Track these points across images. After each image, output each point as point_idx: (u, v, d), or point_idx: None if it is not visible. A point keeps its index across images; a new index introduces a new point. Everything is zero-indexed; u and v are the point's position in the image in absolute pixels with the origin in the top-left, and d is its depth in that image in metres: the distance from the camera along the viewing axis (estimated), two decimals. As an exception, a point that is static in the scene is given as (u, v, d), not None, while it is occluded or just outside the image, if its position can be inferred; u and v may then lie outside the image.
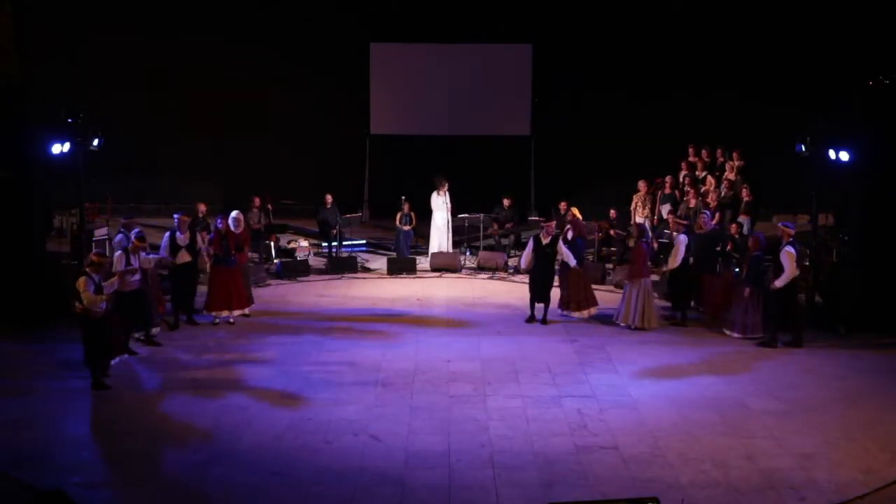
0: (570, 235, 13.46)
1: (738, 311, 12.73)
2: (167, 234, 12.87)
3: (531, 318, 13.41)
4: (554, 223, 13.70)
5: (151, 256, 12.18)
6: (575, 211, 14.82)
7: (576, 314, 13.49)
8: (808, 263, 13.98)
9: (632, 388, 10.62)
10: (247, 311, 13.52)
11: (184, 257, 12.75)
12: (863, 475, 8.39)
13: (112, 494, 8.03)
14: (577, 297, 13.47)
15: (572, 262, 13.32)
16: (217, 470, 8.40)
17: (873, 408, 10.08)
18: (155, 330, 12.25)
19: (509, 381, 10.81)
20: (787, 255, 12.08)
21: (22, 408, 9.87)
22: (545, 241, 13.21)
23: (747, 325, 12.63)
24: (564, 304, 13.59)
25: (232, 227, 13.30)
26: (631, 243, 13.66)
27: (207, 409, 9.85)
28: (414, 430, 9.32)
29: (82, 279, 10.25)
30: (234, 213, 13.43)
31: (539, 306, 13.38)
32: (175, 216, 13.07)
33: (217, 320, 13.07)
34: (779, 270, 12.20)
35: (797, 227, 18.25)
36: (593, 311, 13.56)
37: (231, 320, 13.12)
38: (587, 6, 19.57)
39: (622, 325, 13.05)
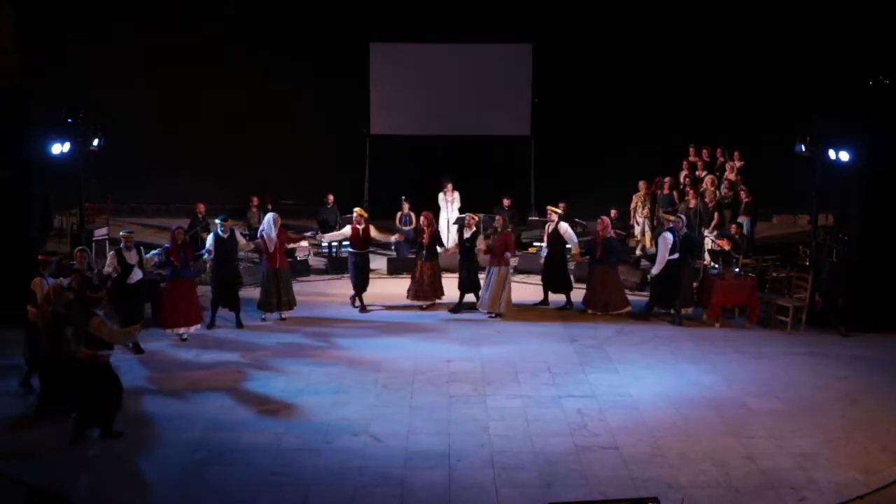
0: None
1: (592, 289, 13.76)
2: (111, 252, 12.15)
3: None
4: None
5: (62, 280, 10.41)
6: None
7: (419, 302, 14.16)
8: (807, 263, 13.99)
9: (632, 388, 10.62)
10: (284, 315, 13.30)
11: (136, 276, 11.96)
12: (863, 475, 8.39)
13: (111, 495, 8.02)
14: (424, 289, 14.12)
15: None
16: (217, 470, 8.40)
17: (873, 408, 10.09)
18: None
19: (509, 381, 10.82)
20: (662, 240, 13.06)
21: (21, 408, 9.89)
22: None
23: (598, 303, 13.64)
24: (413, 295, 14.26)
25: (266, 231, 13.11)
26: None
27: (207, 409, 9.85)
28: (414, 430, 9.32)
29: (97, 320, 8.76)
30: (269, 216, 13.26)
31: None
32: (121, 233, 12.16)
33: (185, 336, 12.30)
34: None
35: (798, 227, 18.38)
36: (438, 301, 14.29)
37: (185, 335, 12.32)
38: (587, 6, 19.54)
39: (485, 312, 13.61)
